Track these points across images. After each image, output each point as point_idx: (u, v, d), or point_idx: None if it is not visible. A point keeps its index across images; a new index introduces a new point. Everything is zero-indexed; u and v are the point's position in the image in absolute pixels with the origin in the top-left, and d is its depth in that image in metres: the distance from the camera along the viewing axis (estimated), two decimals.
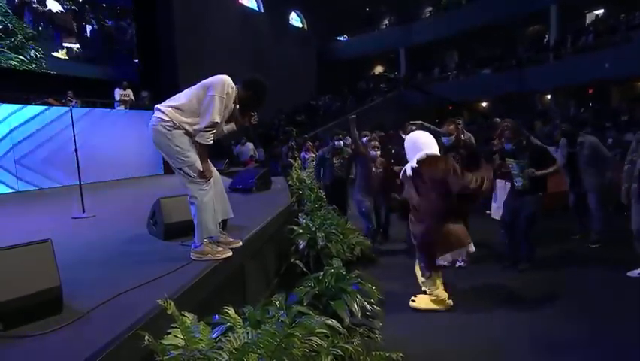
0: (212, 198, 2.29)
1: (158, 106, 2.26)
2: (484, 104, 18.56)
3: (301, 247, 3.64)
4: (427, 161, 2.95)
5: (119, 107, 9.47)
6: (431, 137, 3.12)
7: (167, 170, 10.36)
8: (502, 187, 4.84)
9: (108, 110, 9.36)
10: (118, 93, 9.43)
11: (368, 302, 2.31)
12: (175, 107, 2.21)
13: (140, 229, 3.17)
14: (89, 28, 11.24)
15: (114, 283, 1.93)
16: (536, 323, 2.74)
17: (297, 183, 5.64)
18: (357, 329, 2.16)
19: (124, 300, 1.75)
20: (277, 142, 13.36)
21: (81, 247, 2.85)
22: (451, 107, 17.42)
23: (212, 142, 2.22)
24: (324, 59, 20.89)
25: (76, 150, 4.31)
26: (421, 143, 3.04)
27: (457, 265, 3.81)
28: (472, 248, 2.95)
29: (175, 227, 2.85)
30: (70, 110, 4.60)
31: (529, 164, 3.59)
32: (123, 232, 3.23)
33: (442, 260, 2.92)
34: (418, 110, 16.23)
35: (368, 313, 2.28)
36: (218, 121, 2.20)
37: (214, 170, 2.36)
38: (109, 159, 8.77)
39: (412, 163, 2.97)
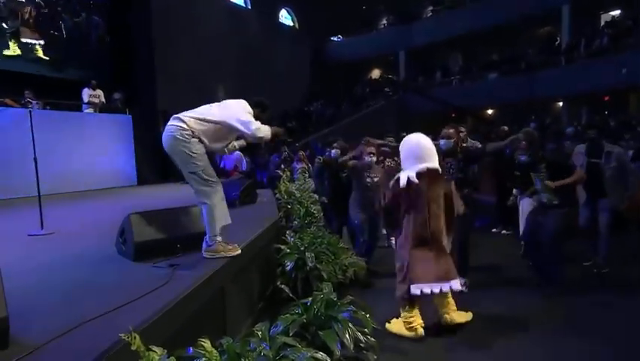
0: (222, 199, 2.81)
1: (178, 115, 2.78)
2: (489, 111, 18.88)
3: (288, 268, 3.61)
4: (427, 175, 2.96)
5: (87, 110, 9.40)
6: (431, 142, 3.16)
7: (142, 180, 10.31)
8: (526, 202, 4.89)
9: (74, 112, 9.27)
10: (86, 94, 9.35)
11: (362, 332, 2.28)
12: (197, 119, 2.76)
13: (107, 249, 3.12)
14: (55, 21, 11.20)
15: (74, 312, 1.88)
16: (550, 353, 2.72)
17: (286, 197, 5.62)
18: None
19: (83, 333, 1.69)
20: (263, 151, 13.37)
21: (37, 270, 2.79)
22: (454, 115, 17.67)
23: (266, 135, 2.83)
24: (317, 60, 21.12)
25: (35, 158, 4.25)
26: (422, 152, 3.07)
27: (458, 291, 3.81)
28: (456, 286, 3.01)
29: (147, 246, 2.81)
30: (30, 112, 4.48)
31: (547, 176, 3.64)
32: (87, 252, 3.18)
33: (416, 289, 2.96)
34: (418, 118, 16.45)
35: (361, 344, 2.26)
36: (257, 125, 2.80)
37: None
38: (74, 168, 8.68)
39: (410, 174, 2.99)
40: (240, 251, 2.85)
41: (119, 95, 10.46)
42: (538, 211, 3.84)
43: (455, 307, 3.12)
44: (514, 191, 4.69)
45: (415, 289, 2.96)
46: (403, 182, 3.00)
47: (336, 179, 5.05)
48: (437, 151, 3.33)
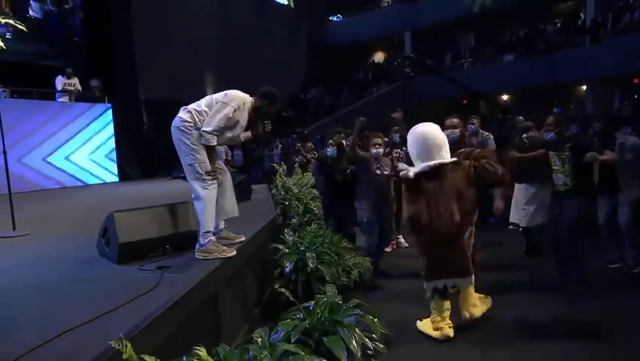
0: (214, 197, 2.95)
1: (185, 107, 2.99)
2: (505, 97, 18.86)
3: (287, 270, 3.62)
4: (438, 170, 3.04)
5: (61, 99, 9.36)
6: (439, 131, 3.24)
7: (124, 176, 10.29)
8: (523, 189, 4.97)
9: (46, 101, 9.21)
10: (60, 82, 9.32)
11: (369, 338, 2.30)
12: (199, 111, 2.95)
13: (88, 250, 3.12)
14: (23, 1, 11.12)
15: (54, 319, 1.89)
16: None
17: (283, 193, 5.63)
18: None
19: (66, 341, 1.69)
20: (257, 143, 13.38)
21: (10, 276, 2.79)
22: (465, 101, 17.65)
23: (214, 144, 2.95)
24: (314, 43, 21.02)
25: (4, 152, 4.24)
26: (429, 145, 3.14)
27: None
28: (469, 281, 3.14)
29: (132, 247, 2.82)
30: None
31: (573, 158, 3.65)
32: (66, 255, 3.18)
33: (430, 285, 3.14)
34: (425, 105, 16.41)
35: (369, 351, 2.27)
36: (222, 125, 2.93)
37: (226, 171, 3.25)
38: (48, 162, 8.65)
39: (421, 168, 3.07)
40: (235, 252, 2.89)
41: (97, 82, 10.41)
42: (556, 205, 3.85)
43: (475, 302, 3.24)
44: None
45: (429, 286, 3.13)
46: (410, 173, 3.12)
47: (331, 179, 4.99)
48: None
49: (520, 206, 4.99)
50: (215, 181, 2.95)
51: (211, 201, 2.91)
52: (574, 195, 3.70)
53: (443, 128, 3.94)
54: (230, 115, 2.94)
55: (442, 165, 3.10)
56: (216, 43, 15.61)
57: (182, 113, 2.96)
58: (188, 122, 2.91)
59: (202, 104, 3.01)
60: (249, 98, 3.09)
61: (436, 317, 3.14)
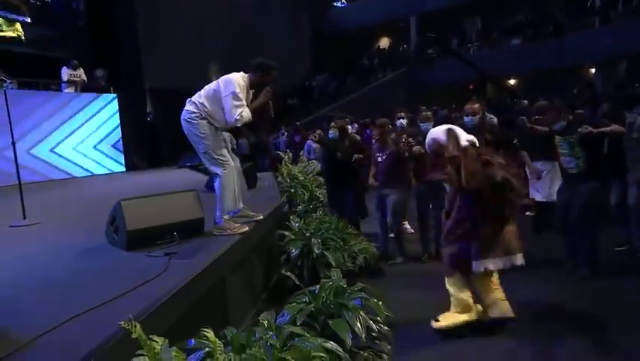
0: (232, 177, 3.19)
1: (190, 99, 3.19)
2: (512, 81, 18.62)
3: (293, 255, 3.66)
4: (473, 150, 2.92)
5: (67, 90, 9.40)
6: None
7: (131, 167, 10.36)
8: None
9: (53, 92, 9.24)
10: (66, 73, 9.34)
11: (374, 321, 2.33)
12: (203, 101, 3.12)
13: (97, 238, 3.17)
14: None
15: (65, 305, 1.93)
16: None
17: (288, 180, 5.66)
18: (362, 353, 2.18)
19: (77, 326, 1.73)
20: (262, 131, 13.36)
21: (21, 263, 2.84)
22: (472, 86, 17.46)
23: (248, 118, 3.12)
24: (318, 30, 20.81)
25: (13, 143, 4.28)
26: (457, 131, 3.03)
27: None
28: (519, 260, 2.92)
29: (140, 235, 2.86)
30: (4, 92, 4.43)
31: (581, 141, 3.61)
32: (76, 243, 3.23)
33: (485, 265, 2.86)
34: (431, 91, 16.27)
35: (374, 334, 2.30)
36: (241, 111, 3.07)
37: (235, 158, 3.41)
38: (56, 153, 8.72)
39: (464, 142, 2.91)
40: (247, 228, 3.18)
41: (102, 72, 10.42)
42: (567, 188, 3.83)
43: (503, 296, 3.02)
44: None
45: (478, 267, 2.87)
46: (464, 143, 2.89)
47: (331, 161, 4.99)
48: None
49: (532, 182, 5.04)
50: (232, 162, 3.19)
51: (230, 181, 3.16)
52: (585, 179, 3.67)
53: (462, 114, 3.94)
54: (241, 95, 3.07)
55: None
56: (221, 32, 15.51)
57: (188, 106, 3.15)
58: (194, 112, 3.10)
59: (202, 94, 3.17)
60: (243, 76, 3.18)
61: (461, 294, 2.94)
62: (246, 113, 3.09)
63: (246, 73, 3.21)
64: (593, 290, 3.56)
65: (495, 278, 3.00)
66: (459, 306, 3.01)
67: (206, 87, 3.20)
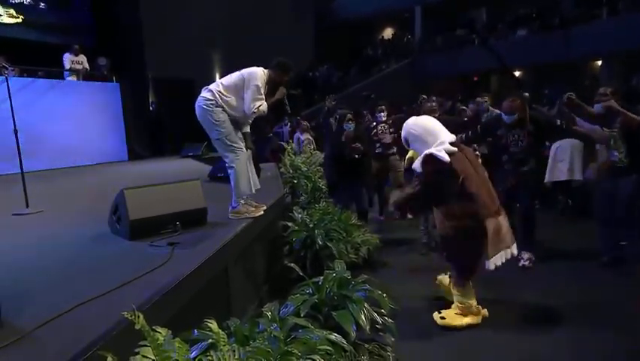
0: (245, 163, 3.32)
1: (207, 87, 3.29)
2: (517, 73, 18.46)
3: (296, 247, 3.64)
4: (459, 148, 2.94)
5: (69, 78, 9.35)
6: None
7: (133, 156, 10.34)
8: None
9: (56, 80, 9.19)
10: (68, 60, 9.27)
11: (378, 313, 2.31)
12: (221, 90, 3.24)
13: (100, 228, 3.16)
14: None
15: (68, 293, 1.92)
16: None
17: (291, 171, 5.63)
18: (366, 345, 2.16)
19: (80, 314, 1.73)
20: (264, 121, 13.31)
21: (26, 251, 2.84)
22: (476, 78, 17.32)
23: (264, 111, 3.31)
24: (322, 20, 20.63)
25: (15, 131, 4.26)
26: (432, 127, 3.02)
27: (520, 265, 3.91)
28: (514, 250, 2.96)
29: (143, 224, 2.84)
30: (7, 80, 4.40)
31: (620, 135, 3.59)
32: (79, 232, 3.22)
33: (492, 263, 2.86)
34: (435, 82, 16.13)
35: (378, 326, 2.28)
36: (259, 104, 3.25)
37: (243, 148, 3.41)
38: (59, 141, 8.70)
39: (444, 154, 2.87)
40: (262, 212, 3.38)
41: (105, 61, 10.35)
42: (610, 176, 3.78)
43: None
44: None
45: (492, 265, 2.88)
46: (445, 158, 2.83)
47: (340, 153, 4.96)
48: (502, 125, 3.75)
49: (557, 163, 5.21)
50: (244, 148, 3.32)
51: (244, 166, 3.29)
52: (629, 172, 3.64)
53: (502, 110, 3.90)
54: (262, 89, 3.25)
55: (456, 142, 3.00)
56: (224, 21, 15.41)
57: (205, 93, 3.26)
58: (210, 100, 3.22)
59: (223, 82, 3.29)
60: (264, 71, 3.33)
61: (467, 300, 2.99)
62: (264, 107, 3.27)
63: (265, 68, 3.36)
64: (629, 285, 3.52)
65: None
66: (466, 310, 3.00)
67: (227, 77, 3.33)
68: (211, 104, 3.21)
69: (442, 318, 3.02)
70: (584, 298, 3.33)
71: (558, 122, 3.96)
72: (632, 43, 13.14)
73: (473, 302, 3.02)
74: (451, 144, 2.91)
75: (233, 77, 3.32)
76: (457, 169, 2.83)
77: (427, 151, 2.91)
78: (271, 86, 3.38)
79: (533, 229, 4.02)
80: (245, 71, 3.31)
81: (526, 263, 3.95)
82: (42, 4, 10.75)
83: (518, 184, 3.95)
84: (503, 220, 2.93)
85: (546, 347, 2.70)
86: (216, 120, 3.21)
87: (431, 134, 2.96)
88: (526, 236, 3.95)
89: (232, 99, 3.26)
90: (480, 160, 3.43)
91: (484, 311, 3.06)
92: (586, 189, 5.33)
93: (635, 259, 3.86)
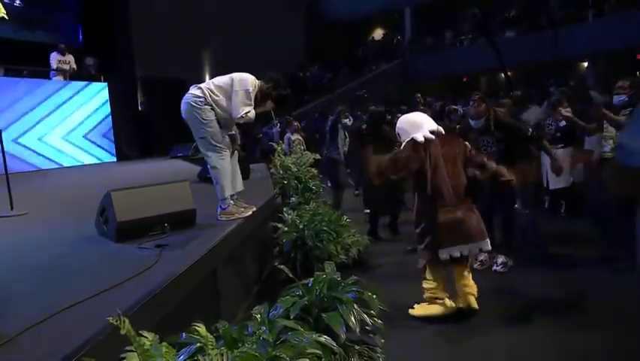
0: (229, 164, 3.28)
1: (197, 84, 3.28)
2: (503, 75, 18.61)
3: (286, 248, 3.63)
4: (438, 136, 3.08)
5: (56, 77, 9.22)
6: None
7: (122, 156, 10.23)
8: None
9: (41, 80, 9.06)
10: (55, 59, 9.14)
11: (368, 314, 2.30)
12: (212, 89, 3.22)
13: (86, 229, 3.11)
14: None
15: (52, 298, 1.89)
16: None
17: (281, 172, 5.60)
18: (356, 347, 2.16)
19: (65, 319, 1.70)
20: (251, 125, 13.26)
21: (10, 254, 2.79)
22: (465, 79, 17.46)
23: (251, 119, 3.27)
24: (313, 20, 20.63)
25: None
26: (419, 120, 3.18)
27: (493, 270, 3.89)
28: (486, 246, 3.08)
29: (130, 226, 2.81)
30: None
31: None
32: (64, 233, 3.18)
33: (444, 253, 3.01)
34: (425, 83, 16.23)
35: (368, 327, 2.28)
36: (248, 110, 3.23)
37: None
38: (45, 142, 8.57)
39: (424, 133, 3.05)
40: (251, 212, 3.35)
41: (92, 60, 10.24)
42: (599, 173, 3.77)
43: (472, 284, 3.13)
44: None
45: (444, 254, 3.00)
46: (420, 138, 3.02)
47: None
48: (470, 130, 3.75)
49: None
50: (228, 150, 3.30)
51: (227, 168, 3.25)
52: None
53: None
54: (252, 96, 3.25)
55: (441, 132, 3.14)
56: (214, 21, 15.32)
57: (194, 90, 3.22)
58: (200, 97, 3.18)
59: (214, 82, 3.28)
60: (255, 79, 3.35)
61: (432, 289, 3.07)
62: (252, 114, 3.25)
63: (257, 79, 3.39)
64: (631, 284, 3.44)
65: (468, 272, 3.14)
66: (431, 298, 3.10)
67: (218, 78, 3.32)
68: (200, 101, 3.17)
69: (411, 308, 3.14)
70: (580, 297, 3.36)
71: (530, 130, 3.92)
72: (619, 44, 13.38)
73: (439, 291, 3.07)
74: (432, 132, 3.06)
75: (224, 78, 3.31)
76: (427, 151, 3.02)
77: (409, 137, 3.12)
78: (259, 97, 3.39)
79: (511, 233, 3.95)
80: (236, 75, 3.30)
81: (499, 268, 3.86)
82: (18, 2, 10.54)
83: (493, 190, 3.86)
84: (466, 215, 3.03)
85: (534, 346, 2.72)
86: (204, 119, 3.16)
87: (416, 126, 3.12)
88: (503, 240, 3.90)
89: (222, 99, 3.23)
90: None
91: (451, 304, 3.09)
92: (574, 190, 5.37)
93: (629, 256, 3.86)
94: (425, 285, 3.13)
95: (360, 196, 6.98)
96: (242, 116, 3.21)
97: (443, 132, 3.16)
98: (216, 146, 3.21)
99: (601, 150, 3.86)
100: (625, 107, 3.65)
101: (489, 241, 3.12)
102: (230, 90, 3.23)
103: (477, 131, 3.86)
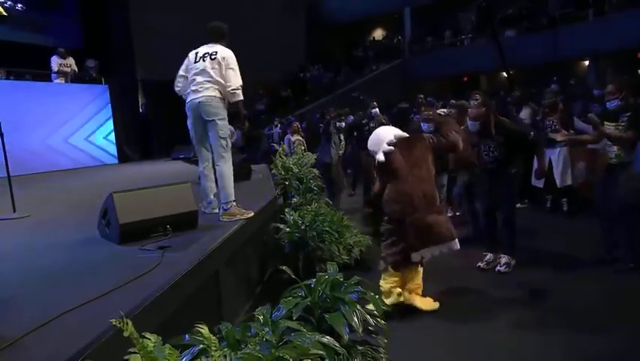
0: (231, 167, 3.33)
1: (204, 84, 3.27)
2: (505, 73, 18.59)
3: (288, 248, 3.63)
4: (399, 144, 3.20)
5: (57, 80, 9.24)
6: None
7: (123, 158, 10.24)
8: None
9: (42, 83, 9.09)
10: (55, 62, 9.16)
11: (371, 315, 2.30)
12: (219, 81, 3.26)
13: (89, 232, 3.11)
14: None
15: (56, 300, 1.89)
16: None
17: (283, 172, 5.60)
18: (359, 347, 2.15)
19: (68, 321, 1.70)
20: (254, 123, 13.27)
21: (12, 256, 2.79)
22: (466, 79, 17.44)
23: (240, 97, 3.30)
24: (313, 21, 20.63)
25: (1, 134, 4.19)
26: (385, 133, 3.30)
27: (496, 270, 3.88)
28: (455, 246, 3.16)
29: (133, 228, 2.80)
30: None
31: (627, 127, 3.48)
32: (67, 236, 3.18)
33: (416, 256, 3.13)
34: (425, 83, 16.22)
35: (371, 328, 2.27)
36: (240, 83, 3.28)
37: None
38: (47, 144, 8.59)
39: (383, 149, 3.21)
40: (252, 214, 3.35)
41: (94, 63, 10.25)
42: (609, 173, 3.72)
43: (420, 283, 3.27)
44: None
45: (416, 257, 3.13)
46: (381, 158, 3.19)
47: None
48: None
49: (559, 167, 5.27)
50: (230, 153, 3.37)
51: (231, 167, 3.34)
52: (623, 169, 3.57)
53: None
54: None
55: (403, 137, 3.26)
56: (214, 22, 15.29)
57: (211, 92, 3.26)
58: (220, 97, 3.28)
59: (214, 75, 3.27)
60: None
61: (386, 283, 3.23)
62: (240, 92, 3.29)
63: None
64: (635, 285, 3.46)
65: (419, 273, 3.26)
66: (386, 293, 3.23)
67: (211, 70, 3.27)
68: (220, 99, 3.25)
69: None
70: (583, 297, 3.34)
71: (531, 134, 3.89)
72: (619, 43, 13.35)
73: (389, 285, 3.21)
74: (389, 143, 3.19)
75: (214, 65, 3.30)
76: (389, 166, 3.19)
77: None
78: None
79: (513, 233, 3.92)
80: (219, 55, 3.32)
81: (502, 268, 3.84)
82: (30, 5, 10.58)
83: (494, 191, 3.90)
84: (436, 218, 3.12)
85: (537, 347, 2.71)
86: (224, 118, 3.26)
87: (377, 144, 3.26)
88: (509, 240, 3.89)
89: (223, 85, 3.29)
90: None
91: (400, 298, 3.20)
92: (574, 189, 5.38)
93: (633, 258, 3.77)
94: (382, 281, 3.26)
95: (354, 197, 7.03)
96: (238, 87, 3.27)
97: (406, 136, 3.29)
98: (229, 146, 3.32)
99: (608, 156, 3.75)
100: (622, 110, 3.59)
101: (457, 241, 3.20)
102: (223, 66, 3.30)
103: (478, 135, 3.81)
